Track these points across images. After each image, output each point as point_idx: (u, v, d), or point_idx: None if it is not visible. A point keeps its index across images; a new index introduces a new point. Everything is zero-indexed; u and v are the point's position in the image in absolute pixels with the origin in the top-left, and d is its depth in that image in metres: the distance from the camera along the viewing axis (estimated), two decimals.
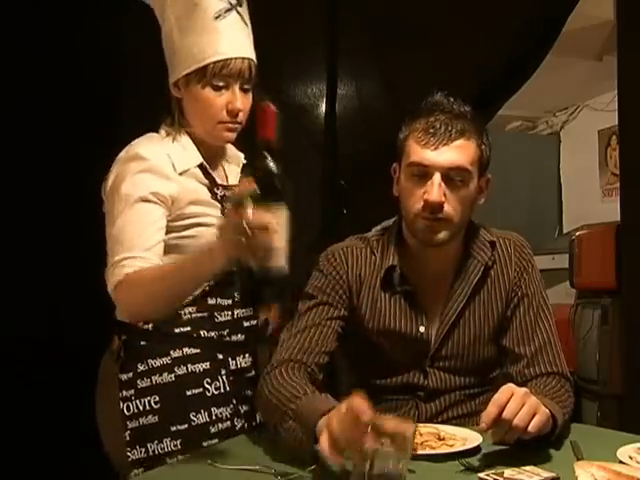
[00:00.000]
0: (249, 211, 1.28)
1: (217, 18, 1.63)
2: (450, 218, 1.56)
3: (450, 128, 1.54)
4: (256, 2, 1.71)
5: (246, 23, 1.68)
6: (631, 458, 1.27)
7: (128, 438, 1.61)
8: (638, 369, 2.84)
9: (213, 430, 1.64)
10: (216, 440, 1.62)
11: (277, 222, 1.30)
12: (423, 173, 1.55)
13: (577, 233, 4.16)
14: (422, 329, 1.64)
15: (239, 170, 1.78)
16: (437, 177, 1.53)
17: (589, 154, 5.86)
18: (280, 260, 1.33)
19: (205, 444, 1.61)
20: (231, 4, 1.65)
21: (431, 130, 1.54)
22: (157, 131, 1.70)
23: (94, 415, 1.71)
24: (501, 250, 1.68)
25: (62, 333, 2.18)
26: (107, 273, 1.55)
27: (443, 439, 1.42)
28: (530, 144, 6.41)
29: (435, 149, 1.54)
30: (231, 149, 1.80)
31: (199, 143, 1.69)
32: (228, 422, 1.67)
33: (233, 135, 1.69)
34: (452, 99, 1.60)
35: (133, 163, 1.60)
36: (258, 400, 1.57)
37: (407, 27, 2.61)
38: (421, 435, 1.42)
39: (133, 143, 1.66)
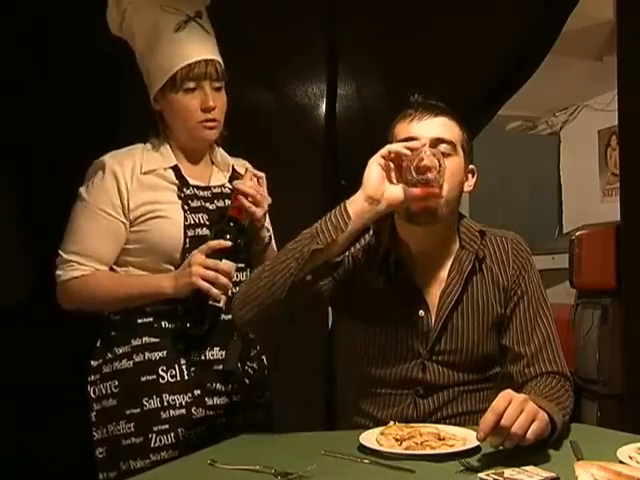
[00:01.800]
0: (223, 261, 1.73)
1: (177, 30, 1.80)
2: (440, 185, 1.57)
3: (433, 108, 1.62)
4: (256, 2, 1.72)
5: (207, 31, 1.85)
6: (631, 458, 1.27)
7: (93, 419, 1.79)
8: (638, 369, 2.84)
9: (164, 416, 1.74)
10: (167, 426, 1.73)
11: (233, 273, 1.76)
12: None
13: (577, 233, 4.16)
14: (421, 313, 1.64)
15: (228, 175, 1.94)
16: (426, 145, 1.57)
17: (589, 154, 5.86)
18: (223, 302, 1.75)
19: (155, 429, 1.72)
20: (189, 16, 1.83)
21: (417, 107, 1.62)
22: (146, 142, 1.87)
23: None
24: (497, 246, 1.69)
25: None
26: (57, 261, 1.79)
27: (443, 439, 1.42)
28: (530, 144, 6.41)
29: (420, 120, 1.60)
30: (222, 156, 1.95)
31: (181, 150, 1.86)
32: (183, 410, 1.75)
33: (213, 133, 1.84)
34: (429, 97, 1.66)
35: (99, 171, 1.79)
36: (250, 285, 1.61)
37: (407, 27, 2.61)
38: (421, 435, 1.42)
39: (109, 153, 1.82)
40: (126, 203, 1.78)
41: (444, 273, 1.67)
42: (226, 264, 1.73)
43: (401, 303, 1.65)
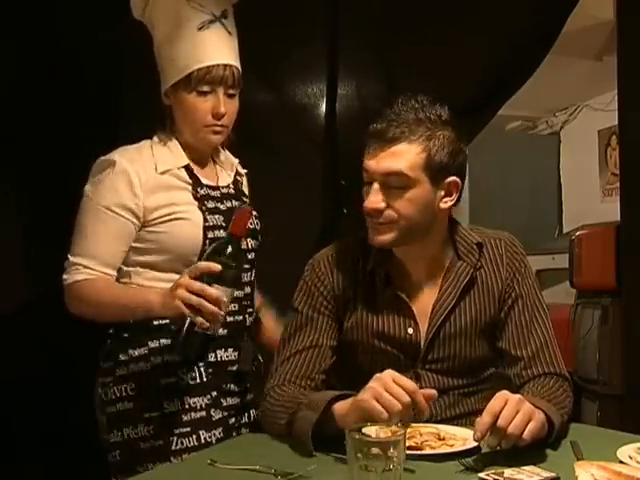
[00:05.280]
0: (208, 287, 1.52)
1: (200, 29, 1.74)
2: (394, 221, 1.55)
3: (389, 133, 1.54)
4: (257, 2, 1.72)
5: (230, 33, 1.79)
6: (631, 458, 1.27)
7: (106, 422, 1.74)
8: (638, 369, 2.85)
9: (185, 419, 1.72)
10: (188, 429, 1.70)
11: (226, 300, 1.54)
12: (368, 179, 1.58)
13: (577, 233, 4.16)
14: (410, 331, 1.63)
15: (232, 174, 1.90)
16: (375, 185, 1.55)
17: (589, 154, 5.87)
18: (217, 327, 1.57)
19: (177, 431, 1.69)
20: (215, 16, 1.76)
21: (374, 136, 1.57)
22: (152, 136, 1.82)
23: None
24: (491, 250, 1.67)
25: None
26: (65, 264, 1.72)
27: (443, 439, 1.42)
28: (530, 144, 6.42)
29: (373, 157, 1.56)
30: (226, 155, 1.92)
31: (188, 148, 1.80)
32: (203, 412, 1.73)
33: (219, 137, 1.80)
34: (413, 101, 1.58)
35: (109, 169, 1.72)
36: (262, 414, 1.61)
37: (408, 27, 2.61)
38: (421, 435, 1.42)
39: (117, 150, 1.76)
40: (140, 204, 1.71)
41: (437, 284, 1.65)
42: (217, 289, 1.51)
43: (391, 320, 1.64)
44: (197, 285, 1.51)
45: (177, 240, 1.73)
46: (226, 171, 1.90)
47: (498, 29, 2.63)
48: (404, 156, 1.54)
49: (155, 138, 1.80)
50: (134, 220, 1.72)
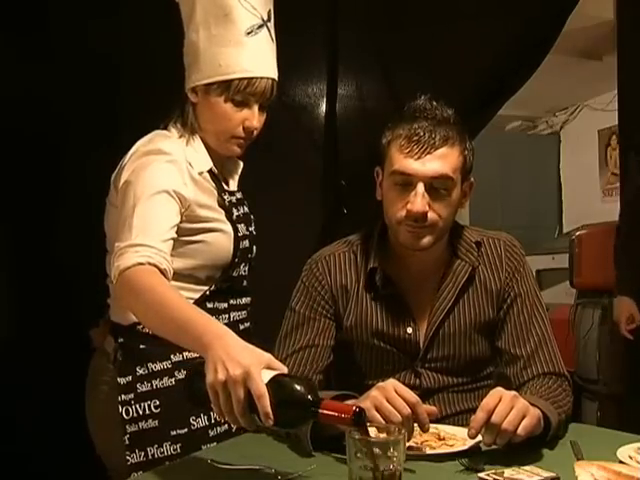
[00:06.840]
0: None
1: (249, 34, 1.63)
2: (434, 224, 1.55)
3: (433, 135, 1.53)
4: None
5: (273, 39, 1.69)
6: (631, 458, 1.27)
7: (127, 442, 1.60)
8: (638, 369, 2.85)
9: (212, 434, 1.65)
10: (214, 444, 1.63)
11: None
12: (406, 182, 1.54)
13: (577, 233, 4.17)
14: (409, 330, 1.63)
15: (237, 176, 1.81)
16: (420, 187, 1.52)
17: (589, 154, 5.88)
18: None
19: (204, 447, 1.62)
20: (263, 20, 1.66)
21: (414, 138, 1.53)
22: (159, 129, 1.70)
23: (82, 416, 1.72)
24: (490, 250, 1.68)
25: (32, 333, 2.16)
26: (114, 257, 1.45)
27: (443, 439, 1.42)
28: (530, 144, 6.43)
29: (418, 158, 1.52)
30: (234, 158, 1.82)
31: (209, 149, 1.70)
32: (226, 425, 1.66)
33: (242, 150, 1.71)
34: (435, 103, 1.58)
35: (156, 156, 1.58)
36: None
37: (408, 27, 2.61)
38: (421, 435, 1.42)
39: (151, 138, 1.65)
40: (189, 194, 1.59)
41: (435, 283, 1.65)
42: (252, 418, 1.19)
43: (390, 319, 1.64)
44: (239, 396, 1.17)
45: (215, 252, 1.66)
46: (231, 174, 1.82)
47: (497, 30, 2.63)
48: (449, 159, 1.54)
49: (173, 130, 1.69)
50: (180, 206, 1.57)
